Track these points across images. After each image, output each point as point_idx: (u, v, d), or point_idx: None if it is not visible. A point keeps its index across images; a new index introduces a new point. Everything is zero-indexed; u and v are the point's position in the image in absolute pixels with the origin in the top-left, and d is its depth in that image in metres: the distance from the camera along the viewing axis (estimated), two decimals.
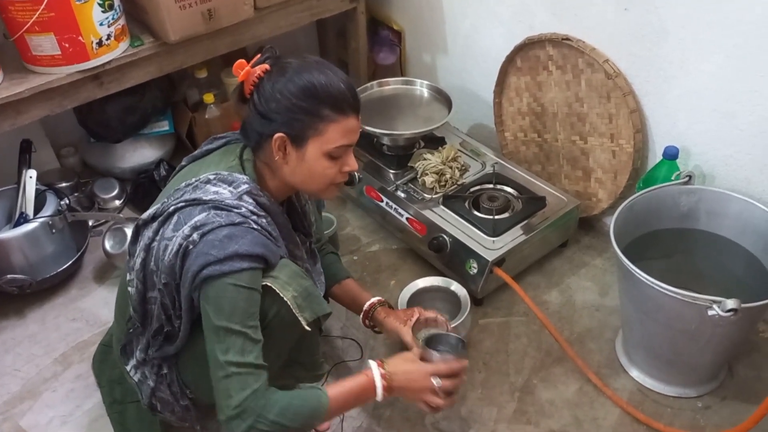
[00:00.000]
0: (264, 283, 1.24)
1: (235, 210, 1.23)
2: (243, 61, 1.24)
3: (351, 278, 1.64)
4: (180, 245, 1.20)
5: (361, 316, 1.57)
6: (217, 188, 1.26)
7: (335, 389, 1.26)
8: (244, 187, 1.27)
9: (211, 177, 1.28)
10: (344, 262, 1.98)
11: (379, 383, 1.27)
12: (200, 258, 1.17)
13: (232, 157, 1.33)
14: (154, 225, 1.26)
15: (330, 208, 2.18)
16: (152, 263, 1.26)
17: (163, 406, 1.42)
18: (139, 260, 1.27)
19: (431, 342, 1.42)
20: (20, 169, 1.96)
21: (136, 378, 1.41)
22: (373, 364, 1.30)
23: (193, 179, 1.29)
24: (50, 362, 1.76)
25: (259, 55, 1.26)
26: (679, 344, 1.49)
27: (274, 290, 1.25)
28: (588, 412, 1.58)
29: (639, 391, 1.62)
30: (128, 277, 1.32)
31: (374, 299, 1.56)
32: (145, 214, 1.29)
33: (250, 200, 1.26)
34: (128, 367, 1.42)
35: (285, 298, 1.25)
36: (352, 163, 1.31)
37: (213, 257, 1.16)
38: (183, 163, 1.43)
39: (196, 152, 1.42)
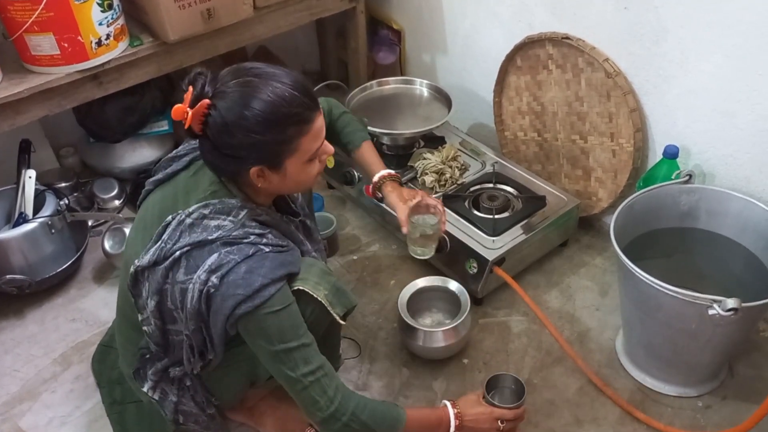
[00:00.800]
0: (296, 288, 1.26)
1: (245, 241, 1.21)
2: (180, 106, 1.14)
3: (367, 141, 1.63)
4: (200, 291, 1.18)
5: (371, 186, 1.61)
6: (216, 222, 1.22)
7: (413, 412, 1.34)
8: (243, 213, 1.24)
9: (205, 212, 1.23)
10: (344, 262, 1.99)
11: (453, 421, 1.38)
12: (229, 300, 1.17)
13: (208, 179, 1.27)
14: (160, 270, 1.22)
15: (329, 207, 2.18)
16: (169, 302, 1.24)
17: (186, 418, 1.41)
18: (152, 303, 1.25)
19: (493, 381, 1.50)
20: (19, 169, 1.95)
21: (156, 397, 1.39)
22: (447, 403, 1.41)
23: (183, 215, 1.23)
24: (49, 363, 1.75)
25: (191, 89, 1.14)
26: (679, 343, 1.49)
27: (307, 292, 1.27)
28: (588, 411, 1.58)
29: (639, 390, 1.62)
30: (140, 318, 1.29)
31: (383, 172, 1.59)
32: (143, 261, 1.23)
33: (253, 223, 1.25)
34: (145, 389, 1.39)
35: (319, 298, 1.28)
36: (328, 150, 1.29)
37: (241, 296, 1.16)
38: (149, 187, 1.37)
39: (159, 175, 1.36)
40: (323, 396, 1.22)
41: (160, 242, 1.23)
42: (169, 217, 1.24)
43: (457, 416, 1.39)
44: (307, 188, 1.35)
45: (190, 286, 1.19)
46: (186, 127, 1.16)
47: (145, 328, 1.30)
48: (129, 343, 1.42)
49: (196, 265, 1.19)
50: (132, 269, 1.26)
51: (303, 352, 1.21)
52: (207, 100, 1.14)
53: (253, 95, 1.13)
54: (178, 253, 1.21)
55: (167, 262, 1.22)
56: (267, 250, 1.22)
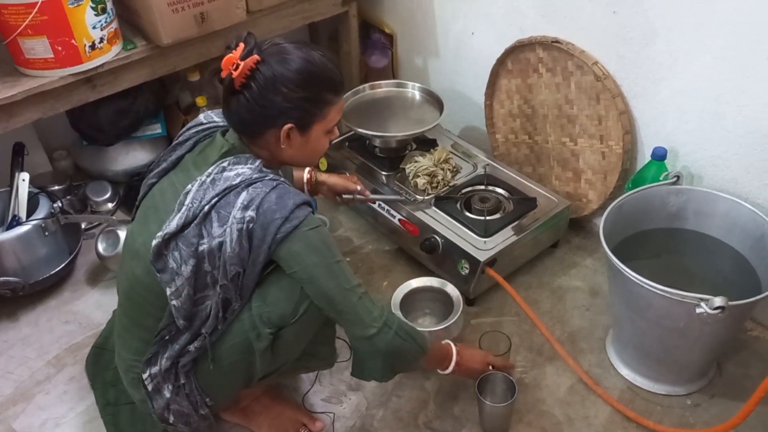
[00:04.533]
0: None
1: (266, 178, 1.27)
2: (231, 56, 1.22)
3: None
4: (240, 230, 1.21)
5: (305, 184, 1.79)
6: (235, 171, 1.27)
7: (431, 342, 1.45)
8: (258, 162, 1.30)
9: (224, 165, 1.28)
10: None
11: (454, 356, 1.49)
12: (270, 227, 1.21)
13: (218, 147, 1.32)
14: (191, 230, 1.23)
15: (322, 209, 2.19)
16: (206, 265, 1.25)
17: (177, 419, 1.40)
18: (188, 269, 1.24)
19: (485, 381, 1.53)
20: (13, 172, 1.95)
21: (150, 387, 1.38)
22: (451, 343, 1.51)
23: (204, 177, 1.26)
24: (43, 365, 1.75)
25: (243, 45, 1.23)
26: (668, 342, 1.51)
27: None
28: (579, 410, 1.59)
29: (629, 389, 1.63)
30: (169, 291, 1.27)
31: (308, 168, 1.78)
32: (171, 227, 1.23)
33: (269, 172, 1.30)
34: (145, 375, 1.38)
35: None
36: (336, 132, 1.40)
37: (280, 219, 1.21)
38: (153, 180, 1.39)
39: (163, 165, 1.38)
40: (375, 305, 1.29)
41: (184, 208, 1.25)
42: (189, 186, 1.27)
43: (458, 353, 1.49)
44: (311, 163, 1.46)
45: (227, 230, 1.22)
46: (234, 75, 1.22)
47: (174, 302, 1.28)
48: (142, 329, 1.38)
49: (228, 213, 1.23)
50: (155, 242, 1.25)
51: (348, 267, 1.29)
52: (257, 56, 1.22)
53: (298, 57, 1.25)
54: (207, 207, 1.24)
55: (197, 219, 1.24)
56: (287, 185, 1.28)
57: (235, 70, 1.21)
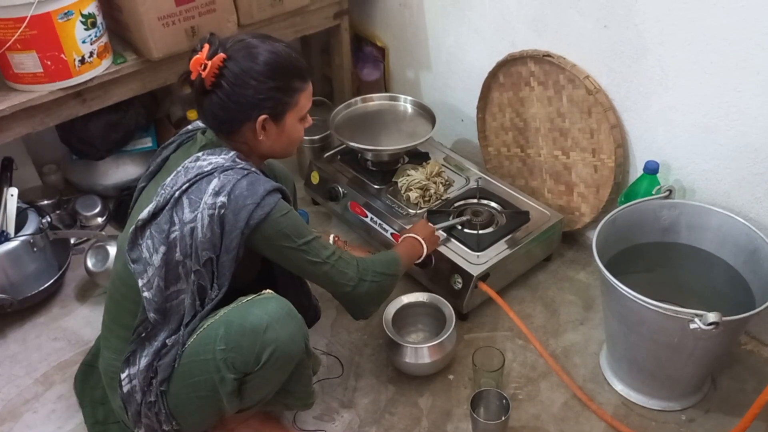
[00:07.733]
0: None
1: (237, 166, 1.30)
2: (198, 57, 1.26)
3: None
4: (211, 215, 1.24)
5: None
6: (208, 159, 1.31)
7: (399, 248, 1.63)
8: (233, 153, 1.33)
9: (199, 154, 1.33)
10: None
11: (421, 239, 1.68)
12: (242, 213, 1.25)
13: (200, 143, 1.37)
14: (163, 216, 1.27)
15: (315, 223, 2.18)
16: (177, 254, 1.26)
17: None
18: (158, 258, 1.26)
19: (479, 397, 1.53)
20: (1, 187, 1.94)
21: (125, 389, 1.36)
22: (411, 235, 1.69)
23: (180, 168, 1.31)
24: (31, 383, 1.73)
25: (207, 46, 1.27)
26: (662, 357, 1.50)
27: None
28: (573, 426, 1.58)
29: (624, 404, 1.62)
30: (141, 283, 1.28)
31: (332, 236, 1.84)
32: (144, 214, 1.28)
33: (242, 162, 1.33)
34: (123, 375, 1.36)
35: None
36: (309, 119, 1.44)
37: (252, 205, 1.25)
38: (142, 184, 1.44)
39: (151, 168, 1.44)
40: (348, 266, 1.41)
41: (157, 196, 1.29)
42: (168, 180, 1.31)
43: (423, 238, 1.68)
44: (291, 152, 1.46)
45: (198, 215, 1.24)
46: (203, 75, 1.26)
47: (145, 294, 1.28)
48: (119, 326, 1.39)
49: (199, 198, 1.25)
50: (131, 228, 1.29)
51: (319, 242, 1.38)
52: (223, 54, 1.27)
53: (262, 50, 1.29)
54: (178, 193, 1.27)
55: (168, 205, 1.26)
56: (258, 173, 1.32)
57: (204, 70, 1.25)
